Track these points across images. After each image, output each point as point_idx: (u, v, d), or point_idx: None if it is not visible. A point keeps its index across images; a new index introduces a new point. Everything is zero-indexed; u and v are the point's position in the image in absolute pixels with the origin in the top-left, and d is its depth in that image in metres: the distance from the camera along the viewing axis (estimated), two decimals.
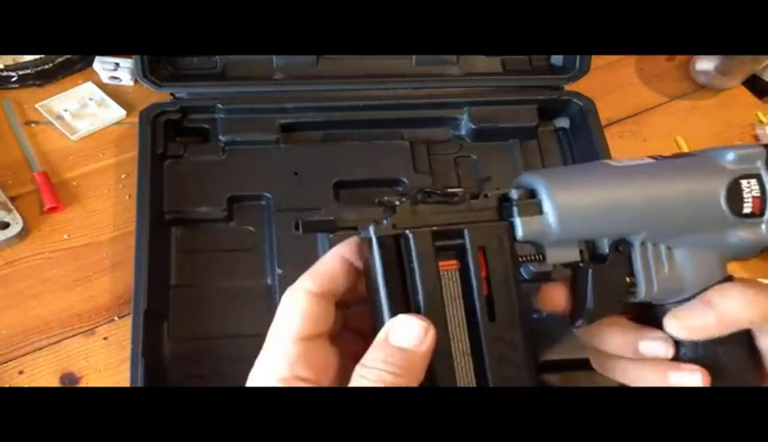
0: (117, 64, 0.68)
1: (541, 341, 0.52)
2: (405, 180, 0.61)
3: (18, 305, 0.54)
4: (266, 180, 0.59)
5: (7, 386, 0.50)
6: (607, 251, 0.33)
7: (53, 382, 0.51)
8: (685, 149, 0.71)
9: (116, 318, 0.54)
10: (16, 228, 0.56)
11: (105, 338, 0.53)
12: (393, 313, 0.30)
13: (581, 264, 0.33)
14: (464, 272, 0.31)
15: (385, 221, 0.31)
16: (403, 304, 0.31)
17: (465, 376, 0.31)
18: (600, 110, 0.65)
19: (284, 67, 0.66)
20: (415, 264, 0.30)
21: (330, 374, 0.33)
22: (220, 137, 0.61)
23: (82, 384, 0.51)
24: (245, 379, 0.51)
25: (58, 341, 0.53)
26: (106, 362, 0.52)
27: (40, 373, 0.51)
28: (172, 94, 0.63)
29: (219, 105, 0.62)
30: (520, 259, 0.33)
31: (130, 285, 0.51)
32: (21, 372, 0.51)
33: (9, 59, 0.66)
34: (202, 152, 0.61)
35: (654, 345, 0.34)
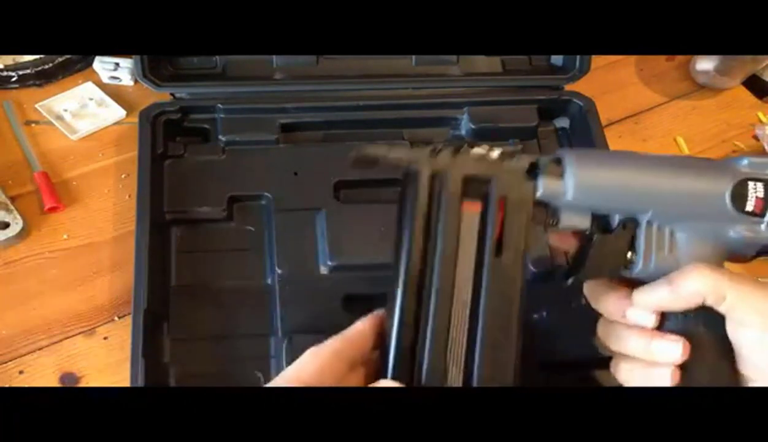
0: (117, 64, 0.68)
1: (542, 342, 0.52)
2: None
3: (18, 305, 0.54)
4: (266, 180, 0.59)
5: (7, 386, 0.50)
6: (615, 225, 0.37)
7: (53, 382, 0.51)
8: (685, 149, 0.71)
9: (116, 318, 0.54)
10: (16, 228, 0.56)
11: (105, 338, 0.53)
12: (412, 242, 0.35)
13: (588, 233, 0.37)
14: (484, 215, 0.35)
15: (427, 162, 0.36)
16: (425, 235, 0.35)
17: (459, 317, 0.35)
18: (600, 110, 0.65)
19: (284, 67, 0.66)
20: (444, 200, 0.35)
21: None
22: (220, 137, 0.61)
23: (82, 384, 0.51)
24: (245, 379, 0.51)
25: (58, 341, 0.53)
26: (106, 362, 0.52)
27: (40, 373, 0.51)
28: (172, 94, 0.63)
29: (219, 105, 0.62)
30: (536, 220, 0.36)
31: (130, 285, 0.51)
32: (21, 372, 0.51)
33: (9, 59, 0.66)
34: (202, 152, 0.61)
35: (640, 314, 0.37)
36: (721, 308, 0.35)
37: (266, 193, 0.58)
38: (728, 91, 0.78)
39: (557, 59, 0.68)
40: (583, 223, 0.37)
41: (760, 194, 0.36)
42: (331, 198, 0.59)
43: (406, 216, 0.36)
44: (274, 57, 0.65)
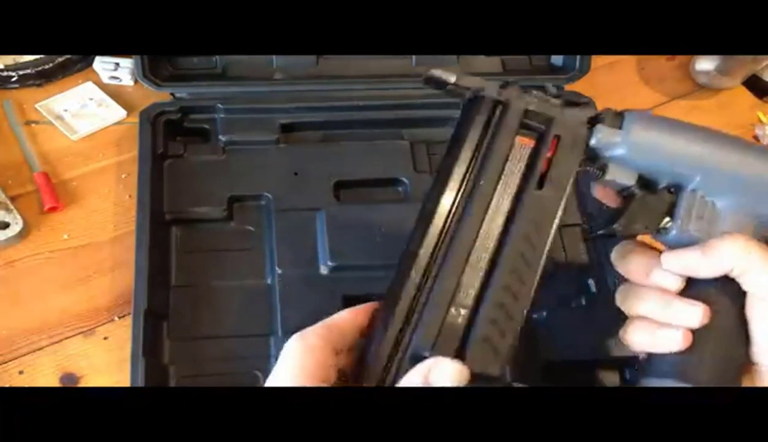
0: (117, 64, 0.68)
1: (542, 342, 0.52)
2: (405, 180, 0.61)
3: (18, 305, 0.54)
4: (266, 180, 0.59)
5: (7, 386, 0.50)
6: (659, 187, 0.38)
7: (53, 382, 0.51)
8: None
9: (116, 318, 0.54)
10: (16, 228, 0.56)
11: (105, 338, 0.53)
12: (456, 162, 0.35)
13: (632, 188, 0.37)
14: (534, 151, 0.36)
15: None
16: (472, 160, 0.36)
17: (486, 238, 0.35)
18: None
19: (284, 67, 0.66)
20: (499, 130, 0.36)
21: None
22: (220, 137, 0.61)
23: (82, 384, 0.51)
24: (245, 379, 0.51)
25: (58, 341, 0.53)
26: (106, 362, 0.52)
27: (40, 373, 0.51)
28: (172, 94, 0.63)
29: (219, 105, 0.62)
30: (584, 168, 0.37)
31: (130, 285, 0.51)
32: (21, 372, 0.51)
33: (9, 59, 0.66)
34: (202, 152, 0.61)
35: (665, 276, 0.37)
36: (747, 282, 0.35)
37: (266, 193, 0.58)
38: (728, 91, 0.78)
39: (557, 59, 0.68)
40: (629, 178, 0.37)
41: None
42: (331, 198, 0.59)
43: (456, 141, 0.36)
44: (274, 57, 0.65)
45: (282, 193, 0.58)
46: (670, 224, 0.37)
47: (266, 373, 0.51)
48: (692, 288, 0.37)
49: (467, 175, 0.35)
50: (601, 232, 0.39)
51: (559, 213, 0.35)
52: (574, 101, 0.38)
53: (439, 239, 0.35)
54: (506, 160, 0.36)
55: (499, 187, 0.35)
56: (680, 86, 0.77)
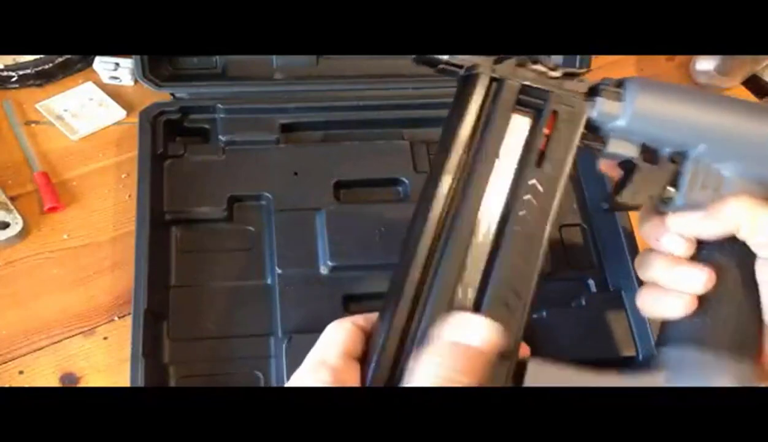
0: (117, 64, 0.68)
1: (542, 342, 0.52)
2: (405, 180, 0.61)
3: (18, 305, 0.54)
4: (266, 180, 0.59)
5: (7, 386, 0.50)
6: (662, 156, 0.37)
7: (53, 382, 0.51)
8: None
9: (116, 318, 0.54)
10: (16, 228, 0.56)
11: (105, 338, 0.53)
12: (453, 148, 0.35)
13: (634, 160, 0.37)
14: (533, 127, 0.36)
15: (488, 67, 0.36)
16: (470, 141, 0.35)
17: (488, 219, 0.34)
18: None
19: (284, 67, 0.66)
20: (496, 106, 0.35)
21: None
22: (220, 137, 0.61)
23: (82, 384, 0.51)
24: (245, 379, 0.51)
25: (58, 341, 0.53)
26: (106, 362, 0.52)
27: (40, 373, 0.51)
28: (172, 94, 0.63)
29: (219, 105, 0.62)
30: (583, 142, 0.36)
31: (130, 285, 0.51)
32: (21, 372, 0.51)
33: (9, 59, 0.66)
34: (202, 152, 0.61)
35: (673, 240, 0.37)
36: (755, 243, 0.35)
37: (266, 193, 0.58)
38: (728, 91, 0.77)
39: (557, 59, 0.68)
40: (630, 150, 0.37)
41: None
42: (331, 198, 0.59)
43: (452, 122, 0.35)
44: (274, 57, 0.65)
45: (282, 193, 0.58)
46: (674, 193, 0.37)
47: (266, 373, 0.51)
48: (701, 253, 0.37)
49: (465, 157, 0.35)
50: (604, 205, 0.39)
51: (560, 191, 0.35)
52: (573, 73, 0.37)
53: (440, 222, 0.34)
54: (503, 140, 0.35)
55: (497, 167, 0.35)
56: None
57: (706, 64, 0.75)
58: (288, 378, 0.49)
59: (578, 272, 0.58)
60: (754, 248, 0.35)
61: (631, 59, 0.79)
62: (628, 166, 0.38)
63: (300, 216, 0.57)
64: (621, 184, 0.38)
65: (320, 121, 0.64)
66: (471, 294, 0.33)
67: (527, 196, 0.34)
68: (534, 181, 0.34)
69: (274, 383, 0.50)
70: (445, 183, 0.35)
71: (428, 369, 0.30)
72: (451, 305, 0.33)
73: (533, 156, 0.35)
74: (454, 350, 0.31)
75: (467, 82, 0.36)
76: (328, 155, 0.62)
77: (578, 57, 0.66)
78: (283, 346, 0.50)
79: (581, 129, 0.36)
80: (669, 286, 0.36)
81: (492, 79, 0.36)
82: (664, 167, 0.37)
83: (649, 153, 0.37)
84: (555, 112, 0.35)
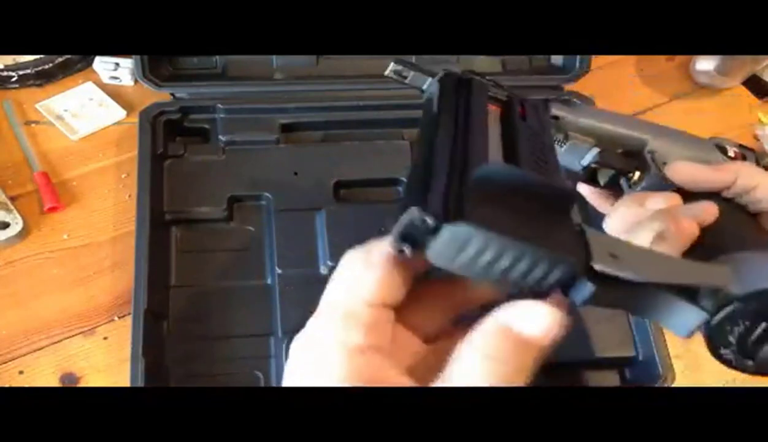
0: (117, 64, 0.68)
1: None
2: (405, 180, 0.61)
3: (18, 305, 0.54)
4: (266, 180, 0.59)
5: (7, 386, 0.50)
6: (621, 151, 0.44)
7: (53, 382, 0.51)
8: None
9: (116, 318, 0.54)
10: (16, 228, 0.56)
11: (105, 338, 0.53)
12: (441, 139, 0.34)
13: (597, 147, 0.43)
14: (504, 111, 0.38)
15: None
16: (454, 128, 0.35)
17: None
18: None
19: (284, 67, 0.66)
20: (473, 97, 0.37)
21: (401, 349, 0.29)
22: (220, 137, 0.61)
23: (82, 384, 0.51)
24: (245, 379, 0.51)
25: (58, 341, 0.53)
26: (106, 362, 0.52)
27: (40, 373, 0.51)
28: (172, 94, 0.63)
29: (219, 105, 0.62)
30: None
31: (130, 285, 0.51)
32: (21, 372, 0.51)
33: (9, 59, 0.66)
34: (202, 152, 0.61)
35: (661, 196, 0.40)
36: (758, 194, 0.39)
37: (266, 193, 0.59)
38: (728, 91, 0.78)
39: (557, 59, 0.68)
40: (589, 144, 0.43)
41: (737, 150, 0.45)
42: (331, 198, 0.59)
43: (437, 112, 0.36)
44: (274, 57, 0.65)
45: (282, 193, 0.58)
46: (640, 174, 0.42)
47: (266, 373, 0.51)
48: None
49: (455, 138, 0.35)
50: (581, 183, 0.45)
51: (549, 150, 0.36)
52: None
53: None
54: (486, 124, 0.36)
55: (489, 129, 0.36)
56: (680, 86, 0.77)
57: (706, 64, 0.75)
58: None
59: None
60: (759, 202, 0.39)
61: (631, 59, 0.79)
62: (593, 162, 0.44)
63: (300, 216, 0.57)
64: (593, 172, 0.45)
65: (320, 121, 0.64)
66: None
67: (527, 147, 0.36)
68: (527, 134, 0.36)
69: (274, 383, 0.50)
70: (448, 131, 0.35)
71: (478, 363, 0.27)
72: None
73: (516, 115, 0.37)
74: (508, 340, 0.27)
75: (444, 82, 0.38)
76: (328, 155, 0.62)
77: (578, 57, 0.66)
78: (283, 346, 0.51)
79: (550, 114, 0.41)
80: (675, 227, 0.38)
81: (464, 78, 0.38)
82: (623, 157, 0.43)
83: (608, 147, 0.43)
84: (522, 103, 0.38)
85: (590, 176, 0.46)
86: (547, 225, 0.29)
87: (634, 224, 0.40)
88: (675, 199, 0.40)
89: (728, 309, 0.32)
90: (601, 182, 0.46)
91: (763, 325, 0.32)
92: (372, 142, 0.63)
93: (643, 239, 0.39)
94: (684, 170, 0.41)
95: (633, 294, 0.29)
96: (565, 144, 0.43)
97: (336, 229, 0.56)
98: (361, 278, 0.29)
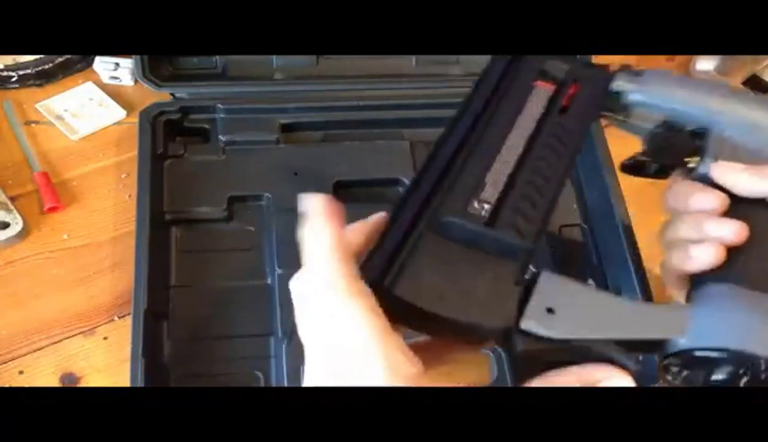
0: (117, 64, 0.68)
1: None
2: (405, 180, 0.61)
3: (18, 305, 0.54)
4: (266, 180, 0.59)
5: (7, 386, 0.50)
6: (686, 130, 0.38)
7: (53, 382, 0.51)
8: None
9: (116, 318, 0.54)
10: (16, 228, 0.56)
11: (105, 338, 0.53)
12: (473, 105, 0.35)
13: (657, 129, 0.38)
14: (555, 94, 0.36)
15: None
16: (487, 109, 0.35)
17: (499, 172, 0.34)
18: None
19: (284, 67, 0.66)
20: (518, 74, 0.37)
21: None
22: (220, 137, 0.61)
23: (82, 384, 0.51)
24: (245, 379, 0.51)
25: (58, 341, 0.53)
26: (106, 362, 0.52)
27: (40, 373, 0.51)
28: (172, 94, 0.63)
29: (219, 105, 0.62)
30: (608, 112, 0.39)
31: (130, 285, 0.51)
32: (21, 372, 0.51)
33: (9, 59, 0.66)
34: (202, 152, 0.61)
35: (704, 196, 0.36)
36: None
37: (266, 194, 0.59)
38: None
39: None
40: (652, 124, 0.38)
41: None
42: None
43: (470, 95, 0.36)
44: (274, 57, 0.65)
45: (282, 193, 0.58)
46: (699, 162, 0.37)
47: (266, 373, 0.51)
48: (731, 214, 0.36)
49: (484, 114, 0.35)
50: (627, 162, 0.40)
51: (580, 137, 0.35)
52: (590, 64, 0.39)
53: (464, 141, 0.35)
54: (525, 101, 0.36)
55: (519, 120, 0.35)
56: None
57: (706, 64, 0.75)
58: (288, 378, 0.49)
59: (578, 273, 0.58)
60: None
61: (631, 59, 0.79)
62: (650, 137, 0.39)
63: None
64: (644, 153, 0.39)
65: (320, 121, 0.64)
66: (487, 208, 0.32)
67: (548, 141, 0.35)
68: (556, 126, 0.35)
69: (274, 383, 0.50)
70: (463, 129, 0.35)
71: None
72: (464, 213, 0.32)
73: (556, 109, 0.36)
74: None
75: (492, 62, 0.38)
76: (328, 155, 0.62)
77: (578, 57, 0.66)
78: (283, 346, 0.51)
79: (604, 96, 0.37)
80: (699, 238, 0.35)
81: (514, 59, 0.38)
82: (687, 137, 0.38)
83: (672, 126, 0.38)
84: (577, 81, 0.37)
85: (638, 165, 0.41)
86: (488, 280, 0.30)
87: (674, 214, 0.38)
88: (719, 201, 0.36)
89: (663, 361, 0.32)
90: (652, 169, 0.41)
91: (701, 372, 0.32)
92: (372, 142, 0.63)
93: (671, 237, 0.37)
94: (725, 174, 0.36)
95: (572, 347, 0.30)
96: (626, 120, 0.39)
97: None
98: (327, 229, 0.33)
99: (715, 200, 0.36)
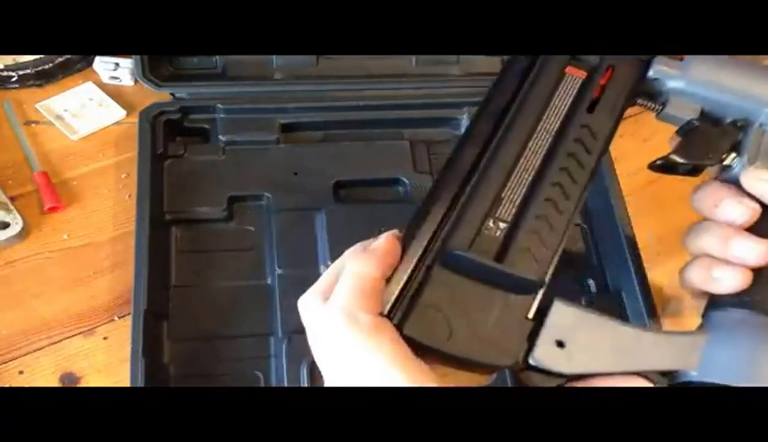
0: (117, 64, 0.68)
1: None
2: (405, 180, 0.61)
3: (18, 305, 0.54)
4: (266, 180, 0.59)
5: (7, 386, 0.50)
6: (725, 123, 0.35)
7: (53, 382, 0.51)
8: None
9: (116, 318, 0.54)
10: (16, 228, 0.56)
11: (105, 338, 0.53)
12: (500, 93, 0.35)
13: (695, 121, 0.35)
14: (586, 82, 0.35)
15: None
16: (513, 98, 0.35)
17: (531, 157, 0.33)
18: None
19: (284, 67, 0.66)
20: (549, 60, 0.35)
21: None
22: (220, 137, 0.61)
23: (82, 384, 0.51)
24: (245, 379, 0.51)
25: (58, 341, 0.53)
26: (106, 362, 0.52)
27: (40, 373, 0.51)
28: (172, 94, 0.63)
29: (219, 105, 0.62)
30: (642, 102, 0.36)
31: (130, 285, 0.51)
32: (21, 372, 0.51)
33: (9, 59, 0.66)
34: (202, 152, 0.61)
35: (733, 205, 0.33)
36: None
37: (266, 194, 0.59)
38: None
39: None
40: (691, 112, 0.36)
41: None
42: (331, 198, 0.59)
43: (499, 80, 0.35)
44: (274, 57, 0.65)
45: (282, 193, 0.58)
46: (735, 159, 0.34)
47: (266, 373, 0.51)
48: (758, 227, 0.33)
49: (513, 103, 0.34)
50: (659, 162, 0.36)
51: (610, 136, 0.34)
52: None
53: (483, 151, 0.34)
54: (555, 88, 0.35)
55: (546, 111, 0.34)
56: None
57: None
58: (288, 378, 0.49)
59: (578, 273, 0.58)
60: None
61: None
62: (687, 128, 0.36)
63: (300, 216, 0.57)
64: (679, 147, 0.36)
65: (320, 121, 0.64)
66: (503, 227, 0.32)
67: (574, 140, 0.33)
68: (583, 125, 0.34)
69: (274, 383, 0.50)
70: (489, 123, 0.34)
71: None
72: (479, 233, 0.32)
73: (585, 103, 0.34)
74: None
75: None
76: (328, 155, 0.62)
77: None
78: (283, 346, 0.50)
79: (637, 83, 0.35)
80: (723, 257, 0.33)
81: None
82: (725, 131, 0.35)
83: (711, 117, 0.35)
84: (611, 67, 0.35)
85: (670, 165, 0.37)
86: (497, 315, 0.31)
87: (699, 223, 0.35)
88: (749, 213, 0.33)
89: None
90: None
91: None
92: (372, 142, 0.63)
93: (692, 244, 0.35)
94: (756, 183, 0.33)
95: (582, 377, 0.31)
96: (662, 110, 0.36)
97: (336, 229, 0.56)
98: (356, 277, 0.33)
99: (746, 213, 0.33)
